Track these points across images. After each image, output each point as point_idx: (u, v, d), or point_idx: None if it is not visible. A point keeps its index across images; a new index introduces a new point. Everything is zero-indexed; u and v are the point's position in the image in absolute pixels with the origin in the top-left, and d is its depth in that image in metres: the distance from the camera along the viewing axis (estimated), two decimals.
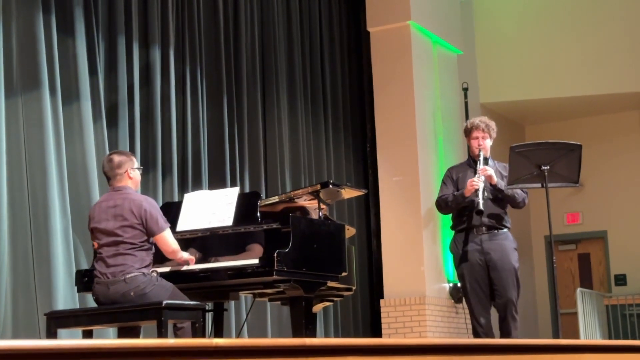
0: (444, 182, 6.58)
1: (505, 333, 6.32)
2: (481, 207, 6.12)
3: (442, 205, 6.48)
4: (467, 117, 10.41)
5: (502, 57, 11.98)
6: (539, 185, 6.14)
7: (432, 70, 10.34)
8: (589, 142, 10.56)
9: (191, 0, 7.98)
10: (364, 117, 10.37)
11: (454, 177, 6.52)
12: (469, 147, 6.50)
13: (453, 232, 6.55)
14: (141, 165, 5.41)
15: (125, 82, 7.10)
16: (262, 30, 8.90)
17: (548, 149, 6.07)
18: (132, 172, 5.15)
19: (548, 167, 6.02)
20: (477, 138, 6.40)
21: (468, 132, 6.46)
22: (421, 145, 9.83)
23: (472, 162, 6.49)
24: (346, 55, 10.31)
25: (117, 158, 5.17)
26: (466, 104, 10.51)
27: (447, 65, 10.72)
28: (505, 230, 6.40)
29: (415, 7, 10.00)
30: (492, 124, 6.47)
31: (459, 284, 9.80)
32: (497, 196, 6.37)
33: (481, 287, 6.31)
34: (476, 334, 6.37)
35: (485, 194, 6.24)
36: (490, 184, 6.31)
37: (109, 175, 5.15)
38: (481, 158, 6.33)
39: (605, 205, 12.75)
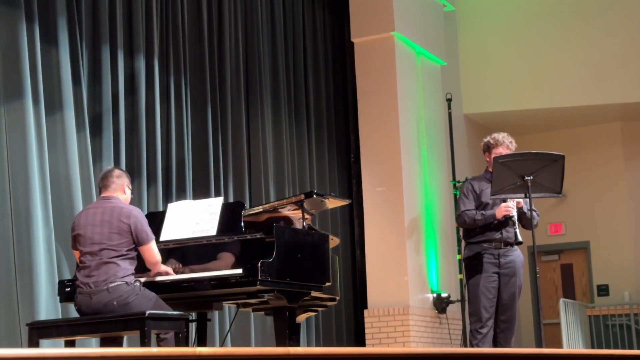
0: (464, 194, 6.58)
1: (500, 345, 6.41)
2: (519, 237, 6.34)
3: (468, 221, 6.49)
4: (450, 128, 10.44)
5: (485, 68, 12.03)
6: (523, 195, 6.18)
7: (415, 81, 10.37)
8: (572, 153, 10.63)
9: (175, 10, 7.98)
10: (347, 128, 10.39)
11: (477, 190, 6.54)
12: (490, 162, 6.50)
13: (464, 240, 6.72)
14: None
15: (110, 92, 7.08)
16: (246, 41, 8.90)
17: (531, 160, 6.10)
18: (127, 189, 5.21)
19: (531, 178, 6.04)
20: (501, 154, 6.41)
21: (491, 148, 6.49)
22: (405, 155, 9.84)
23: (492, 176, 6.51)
24: (330, 65, 10.32)
25: (117, 171, 5.27)
26: (450, 114, 10.54)
27: (431, 76, 10.75)
28: (517, 247, 6.53)
29: (399, 18, 10.03)
30: (514, 141, 6.55)
31: (442, 294, 9.85)
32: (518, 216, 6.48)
33: (491, 299, 6.38)
34: (471, 343, 6.42)
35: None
36: (518, 207, 6.43)
37: (103, 184, 5.17)
38: None
39: (588, 216, 12.80)
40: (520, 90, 11.94)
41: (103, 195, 5.16)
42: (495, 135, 6.57)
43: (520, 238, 6.37)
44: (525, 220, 6.45)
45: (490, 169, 6.49)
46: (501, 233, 6.43)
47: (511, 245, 6.47)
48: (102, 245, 4.95)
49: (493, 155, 6.43)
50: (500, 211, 6.36)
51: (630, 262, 12.47)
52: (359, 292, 10.00)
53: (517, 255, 6.53)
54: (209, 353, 2.27)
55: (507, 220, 6.42)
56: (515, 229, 6.36)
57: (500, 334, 6.46)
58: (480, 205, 6.51)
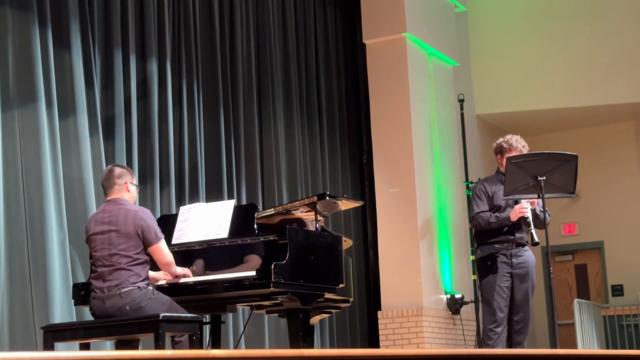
0: (478, 196, 6.58)
1: (516, 344, 6.43)
2: (536, 238, 6.31)
3: (482, 223, 6.49)
4: (463, 129, 10.43)
5: (497, 68, 12.00)
6: (536, 196, 6.17)
7: (427, 81, 10.36)
8: (585, 153, 10.58)
9: (187, 13, 8.00)
10: (360, 129, 10.38)
11: (489, 192, 6.55)
12: (502, 164, 6.51)
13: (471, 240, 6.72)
14: (139, 184, 5.42)
15: (122, 95, 7.10)
16: (258, 43, 8.91)
17: (544, 160, 6.09)
18: (130, 186, 5.16)
19: (544, 178, 6.04)
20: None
21: (504, 151, 6.50)
22: (417, 156, 9.83)
23: (504, 178, 6.50)
24: (342, 67, 10.33)
25: (117, 169, 5.18)
26: (462, 115, 10.52)
27: (443, 77, 10.74)
28: (527, 247, 6.57)
29: (410, 19, 10.03)
30: (526, 144, 6.56)
31: (456, 295, 9.83)
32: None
33: (505, 298, 6.41)
34: (485, 343, 6.42)
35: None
36: (531, 208, 6.43)
37: (106, 186, 5.14)
38: None
39: (601, 216, 12.76)
40: (533, 91, 11.91)
41: (108, 198, 5.14)
42: (509, 138, 6.57)
43: (536, 239, 6.35)
44: (538, 221, 6.45)
45: (502, 170, 6.49)
46: (514, 235, 6.46)
47: (522, 246, 6.49)
48: (112, 251, 4.93)
49: (502, 158, 6.45)
50: (514, 213, 6.36)
51: None
52: (373, 293, 10.00)
53: (529, 255, 6.56)
54: (223, 355, 2.28)
55: (520, 222, 6.43)
56: (530, 229, 6.36)
57: (514, 334, 6.49)
58: (494, 207, 6.52)
